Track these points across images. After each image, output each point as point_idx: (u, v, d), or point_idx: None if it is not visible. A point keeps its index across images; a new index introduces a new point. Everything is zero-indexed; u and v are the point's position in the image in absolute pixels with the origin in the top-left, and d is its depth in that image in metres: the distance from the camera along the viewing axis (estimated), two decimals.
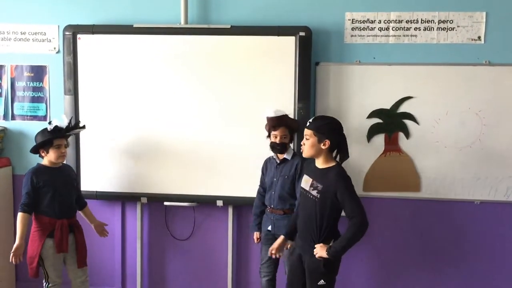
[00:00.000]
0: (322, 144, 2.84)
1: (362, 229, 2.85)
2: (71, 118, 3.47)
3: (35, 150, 3.38)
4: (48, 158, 3.38)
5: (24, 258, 3.33)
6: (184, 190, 3.82)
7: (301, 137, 3.09)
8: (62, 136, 3.38)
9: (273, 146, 3.39)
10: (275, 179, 3.44)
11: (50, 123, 3.36)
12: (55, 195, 3.35)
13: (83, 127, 3.53)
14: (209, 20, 3.82)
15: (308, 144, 2.89)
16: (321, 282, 2.88)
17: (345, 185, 2.83)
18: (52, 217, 3.35)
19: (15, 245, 3.26)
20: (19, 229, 3.28)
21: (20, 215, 3.30)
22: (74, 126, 3.46)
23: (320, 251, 2.85)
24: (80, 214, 3.63)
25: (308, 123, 2.91)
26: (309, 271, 2.93)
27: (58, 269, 3.41)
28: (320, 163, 2.92)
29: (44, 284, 3.42)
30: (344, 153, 2.91)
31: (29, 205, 3.31)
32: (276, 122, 3.35)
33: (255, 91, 3.69)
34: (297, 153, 3.46)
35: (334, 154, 2.92)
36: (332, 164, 2.89)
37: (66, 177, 3.47)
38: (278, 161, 3.44)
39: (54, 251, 3.35)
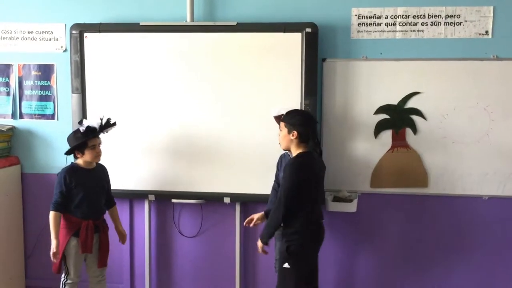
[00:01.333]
0: (291, 135, 3.04)
1: (276, 215, 3.03)
2: (102, 117, 3.44)
3: (71, 152, 3.39)
4: (83, 159, 3.39)
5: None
6: (191, 187, 3.83)
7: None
8: (95, 136, 3.38)
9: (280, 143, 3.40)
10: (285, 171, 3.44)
11: (80, 122, 3.38)
12: (85, 196, 3.36)
13: (114, 124, 3.49)
14: (215, 17, 3.83)
15: (281, 135, 3.15)
16: (286, 265, 3.05)
17: (288, 172, 3.01)
18: (79, 218, 3.37)
19: (53, 245, 3.28)
20: (53, 228, 3.30)
21: (52, 214, 3.31)
22: (106, 124, 3.43)
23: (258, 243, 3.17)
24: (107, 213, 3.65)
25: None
26: (277, 255, 3.17)
27: (78, 268, 3.44)
28: (293, 153, 3.11)
29: (62, 279, 3.45)
30: (314, 143, 3.07)
31: (61, 204, 3.33)
32: (277, 121, 3.35)
33: (262, 88, 3.69)
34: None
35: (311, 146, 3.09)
36: (299, 152, 3.06)
37: (98, 179, 3.48)
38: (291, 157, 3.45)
39: (77, 250, 3.38)
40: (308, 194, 3.03)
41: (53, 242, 3.28)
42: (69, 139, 3.38)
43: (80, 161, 3.42)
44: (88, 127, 3.32)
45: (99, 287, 3.57)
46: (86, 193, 3.37)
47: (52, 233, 3.30)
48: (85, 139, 3.31)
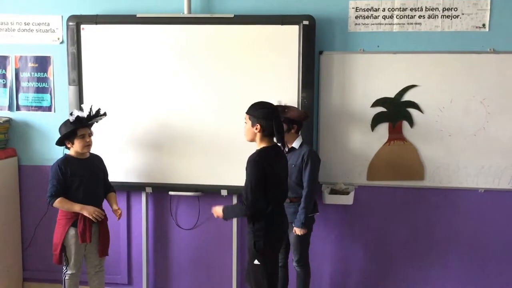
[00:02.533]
0: (255, 128, 2.97)
1: (243, 214, 3.03)
2: (91, 106, 3.45)
3: (61, 142, 3.39)
4: (74, 149, 3.40)
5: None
6: (188, 180, 3.84)
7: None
8: (85, 125, 3.38)
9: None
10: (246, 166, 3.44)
11: (71, 114, 3.37)
12: (81, 186, 3.38)
13: (104, 114, 3.50)
14: (212, 9, 3.82)
15: (245, 128, 3.06)
16: (256, 261, 3.02)
17: (249, 168, 2.96)
18: None
19: (85, 212, 3.34)
20: (69, 207, 3.34)
21: (56, 202, 3.33)
22: (95, 114, 3.44)
23: (217, 209, 3.15)
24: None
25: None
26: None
27: (78, 259, 3.46)
28: (257, 147, 3.05)
29: (64, 270, 3.48)
30: (277, 136, 2.99)
31: (59, 192, 3.34)
32: None
33: (259, 80, 3.69)
34: (305, 142, 3.47)
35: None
36: (261, 147, 3.01)
37: (93, 168, 3.48)
38: (287, 150, 3.46)
39: (76, 240, 3.39)
40: (270, 190, 2.97)
41: (81, 209, 3.33)
42: (60, 129, 3.40)
43: (72, 152, 3.43)
44: (78, 117, 3.34)
45: (97, 278, 3.59)
46: (81, 182, 3.38)
47: (72, 208, 3.33)
48: (74, 128, 3.32)
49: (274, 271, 3.14)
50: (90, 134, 3.44)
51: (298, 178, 3.42)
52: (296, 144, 3.45)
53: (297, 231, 3.40)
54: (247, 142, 3.74)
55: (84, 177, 3.40)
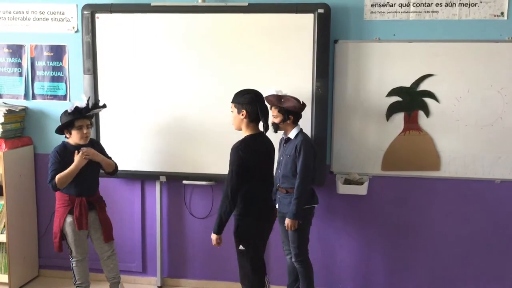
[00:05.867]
0: (240, 114, 3.07)
1: (226, 206, 3.08)
2: (89, 98, 3.47)
3: (59, 131, 3.41)
4: (71, 139, 3.42)
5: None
6: (202, 169, 3.85)
7: None
8: (84, 117, 3.38)
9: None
10: (281, 157, 3.43)
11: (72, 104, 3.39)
12: (77, 174, 3.39)
13: (104, 106, 3.51)
14: None
15: (232, 116, 3.16)
16: (240, 247, 3.16)
17: (231, 157, 3.04)
18: (72, 195, 3.41)
19: (77, 162, 3.33)
20: (66, 173, 3.31)
21: (56, 180, 3.31)
22: (94, 106, 3.45)
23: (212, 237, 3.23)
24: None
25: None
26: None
27: (80, 245, 3.49)
28: (243, 135, 3.14)
29: (70, 258, 3.53)
30: (262, 120, 3.08)
31: (55, 176, 3.34)
32: (269, 103, 3.33)
33: (273, 69, 3.67)
34: (301, 132, 3.40)
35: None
36: (246, 135, 3.10)
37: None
38: (285, 140, 3.44)
39: (74, 227, 3.42)
40: (251, 176, 3.05)
41: (77, 164, 3.33)
42: (60, 118, 3.42)
43: (70, 140, 3.45)
44: (76, 108, 3.34)
45: (110, 263, 3.61)
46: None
47: (72, 171, 3.32)
48: (71, 119, 3.33)
49: (258, 255, 3.19)
50: (89, 126, 3.42)
51: (293, 168, 3.33)
52: (292, 134, 3.37)
53: (288, 222, 3.30)
54: None
55: None
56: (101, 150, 3.59)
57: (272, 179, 3.31)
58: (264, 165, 3.17)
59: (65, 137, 3.46)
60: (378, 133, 3.74)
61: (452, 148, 3.69)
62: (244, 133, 3.13)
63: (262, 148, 3.15)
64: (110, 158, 3.60)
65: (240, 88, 3.68)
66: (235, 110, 3.12)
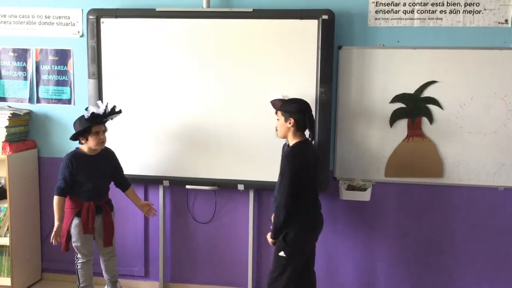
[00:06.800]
0: (288, 122, 3.08)
1: (277, 212, 3.06)
2: (107, 103, 3.46)
3: (75, 138, 3.42)
4: (87, 145, 3.43)
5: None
6: (205, 174, 3.85)
7: None
8: (100, 123, 3.41)
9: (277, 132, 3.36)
10: (282, 162, 3.42)
11: (87, 109, 3.39)
12: (87, 181, 3.43)
13: (120, 111, 3.52)
14: (231, 3, 3.81)
15: (278, 124, 3.19)
16: (281, 253, 3.10)
17: (285, 163, 3.04)
18: (82, 199, 3.45)
19: (54, 227, 3.39)
20: (56, 211, 3.40)
21: (56, 198, 3.41)
22: (111, 112, 3.46)
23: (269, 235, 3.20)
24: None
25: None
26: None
27: (86, 247, 3.53)
28: (289, 142, 3.15)
29: (75, 259, 3.58)
30: (310, 129, 3.11)
31: (64, 189, 3.41)
32: (274, 107, 3.33)
33: (278, 75, 3.67)
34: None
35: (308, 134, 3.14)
36: (295, 142, 3.10)
37: (101, 163, 3.51)
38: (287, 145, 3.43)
39: (80, 230, 3.45)
40: (306, 184, 3.05)
41: (55, 224, 3.39)
42: (74, 124, 3.42)
43: (84, 147, 3.46)
44: (93, 113, 3.35)
45: (109, 263, 3.70)
46: (87, 178, 3.43)
47: (55, 216, 3.40)
48: (88, 125, 3.34)
49: (301, 267, 3.15)
50: (105, 131, 3.46)
51: None
52: (291, 142, 3.31)
53: (268, 236, 3.24)
54: (265, 138, 3.73)
55: (91, 173, 3.44)
56: (115, 161, 3.63)
57: (319, 188, 3.27)
58: (313, 173, 3.14)
59: (80, 143, 3.46)
60: (382, 139, 3.74)
61: (456, 155, 3.68)
62: (291, 141, 3.14)
63: (311, 154, 3.13)
64: (122, 170, 3.67)
65: (244, 93, 3.72)
66: (282, 118, 3.13)
